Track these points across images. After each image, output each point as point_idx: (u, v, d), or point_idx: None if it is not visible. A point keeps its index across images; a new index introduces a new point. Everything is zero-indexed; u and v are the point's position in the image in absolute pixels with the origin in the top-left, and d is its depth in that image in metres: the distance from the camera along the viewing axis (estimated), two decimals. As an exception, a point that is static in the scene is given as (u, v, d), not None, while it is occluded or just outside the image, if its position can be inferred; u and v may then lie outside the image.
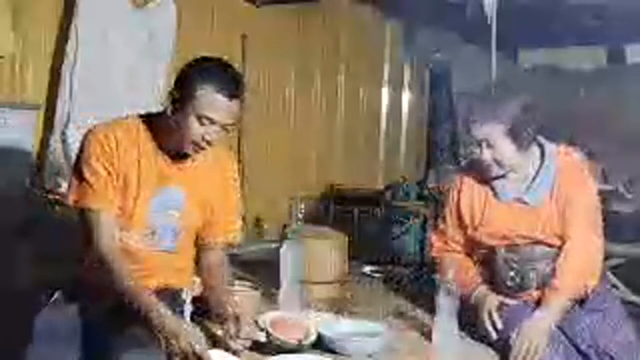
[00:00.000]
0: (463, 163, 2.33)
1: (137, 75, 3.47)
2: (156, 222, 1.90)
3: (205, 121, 1.79)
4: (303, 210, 2.78)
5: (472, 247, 2.27)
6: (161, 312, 1.70)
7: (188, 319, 1.91)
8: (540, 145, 2.19)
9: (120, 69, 3.39)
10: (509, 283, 2.16)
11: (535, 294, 2.12)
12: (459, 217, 2.26)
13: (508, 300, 2.14)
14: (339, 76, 5.62)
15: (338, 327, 2.07)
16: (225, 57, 1.91)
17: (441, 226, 2.35)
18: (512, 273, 2.15)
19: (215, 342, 1.86)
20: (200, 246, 2.04)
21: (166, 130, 1.87)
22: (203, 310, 2.00)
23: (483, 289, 2.17)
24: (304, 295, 2.36)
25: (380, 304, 2.55)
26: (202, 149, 1.85)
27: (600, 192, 2.26)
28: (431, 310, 2.10)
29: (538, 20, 5.23)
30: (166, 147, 1.90)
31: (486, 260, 2.22)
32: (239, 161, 3.29)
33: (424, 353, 2.02)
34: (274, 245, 2.68)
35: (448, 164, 5.45)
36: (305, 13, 4.98)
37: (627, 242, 3.74)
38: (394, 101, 6.41)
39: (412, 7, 5.18)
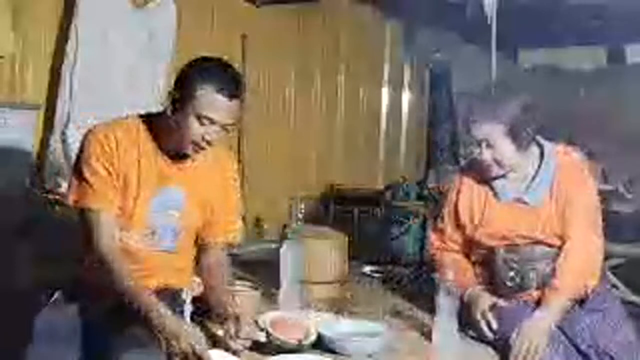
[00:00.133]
0: (463, 163, 2.33)
1: (137, 75, 3.47)
2: (156, 222, 1.90)
3: (205, 121, 1.79)
4: (303, 210, 2.78)
5: (471, 247, 2.28)
6: (161, 312, 1.70)
7: (188, 319, 1.91)
8: (540, 145, 2.19)
9: (120, 69, 3.39)
10: (508, 283, 2.16)
11: (535, 294, 2.12)
12: (458, 218, 2.26)
13: (502, 302, 2.14)
14: (339, 76, 5.62)
15: (338, 327, 2.07)
16: (225, 57, 1.91)
17: (440, 225, 2.35)
18: (512, 273, 2.15)
19: (215, 342, 1.86)
20: (200, 246, 2.04)
21: (166, 131, 1.87)
22: (203, 310, 2.00)
23: (477, 288, 2.17)
24: (304, 295, 2.36)
25: (380, 304, 2.55)
26: (202, 149, 1.85)
27: (600, 192, 2.26)
28: (431, 310, 2.10)
29: (538, 20, 5.23)
30: (166, 147, 1.90)
31: (486, 260, 2.22)
32: (239, 161, 3.29)
33: (424, 353, 2.02)
34: (274, 245, 2.68)
35: (448, 164, 5.45)
36: (305, 13, 4.98)
37: (627, 242, 3.74)
38: (394, 101, 6.41)
39: (412, 7, 5.18)
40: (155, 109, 1.97)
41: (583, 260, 2.08)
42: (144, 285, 1.81)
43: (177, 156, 1.91)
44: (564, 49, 7.01)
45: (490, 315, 2.09)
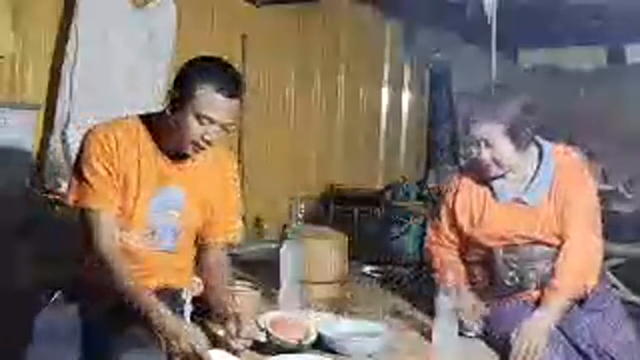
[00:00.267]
0: (463, 163, 2.33)
1: (137, 75, 3.47)
2: (156, 222, 1.90)
3: (204, 121, 1.79)
4: (303, 210, 2.78)
5: (468, 247, 2.28)
6: (161, 312, 1.70)
7: (188, 319, 1.91)
8: (539, 145, 2.19)
9: (120, 69, 3.39)
10: (508, 283, 2.16)
11: (535, 294, 2.12)
12: (455, 218, 2.26)
13: (484, 306, 2.15)
14: (339, 76, 5.62)
15: (338, 327, 2.07)
16: (225, 57, 1.91)
17: (437, 223, 2.36)
18: (511, 273, 2.15)
19: (215, 342, 1.86)
20: (200, 246, 2.04)
21: (166, 130, 1.87)
22: (203, 310, 2.00)
23: (464, 289, 2.17)
24: (304, 295, 2.36)
25: (380, 304, 2.55)
26: (202, 148, 1.85)
27: (600, 192, 2.26)
28: (431, 310, 2.10)
29: (538, 20, 5.23)
30: (166, 147, 1.90)
31: (485, 260, 2.22)
32: (239, 161, 3.29)
33: (424, 353, 2.02)
34: (274, 245, 2.68)
35: (448, 164, 5.45)
36: (305, 13, 4.98)
37: (627, 242, 3.74)
38: (394, 101, 6.41)
39: (412, 7, 5.18)
40: (155, 109, 1.97)
41: (583, 260, 2.08)
42: (144, 285, 1.81)
43: (177, 156, 1.91)
44: (564, 49, 7.01)
45: (473, 317, 2.11)
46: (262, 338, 1.91)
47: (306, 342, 1.93)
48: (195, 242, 2.04)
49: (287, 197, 4.08)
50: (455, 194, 2.27)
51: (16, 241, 2.67)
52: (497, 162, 2.12)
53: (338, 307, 2.42)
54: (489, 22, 3.63)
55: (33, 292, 2.12)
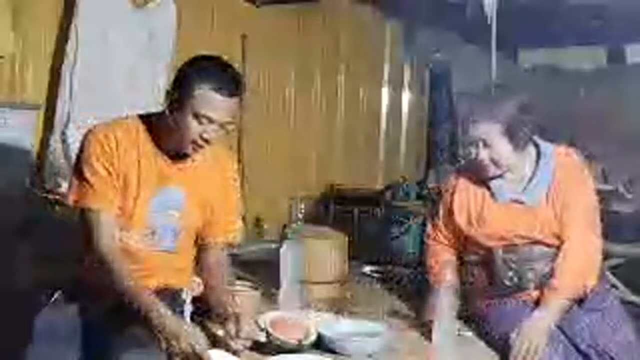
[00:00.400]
0: (462, 163, 2.34)
1: (137, 75, 3.47)
2: (156, 222, 1.90)
3: (203, 120, 1.79)
4: (303, 210, 2.79)
5: (467, 246, 2.28)
6: (161, 312, 1.70)
7: (188, 319, 1.91)
8: (537, 146, 2.19)
9: (120, 69, 3.39)
10: (507, 283, 2.16)
11: (535, 294, 2.12)
12: (453, 218, 2.26)
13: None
14: (339, 76, 5.62)
15: (338, 327, 2.07)
16: (225, 57, 1.91)
17: (436, 221, 2.37)
18: (510, 273, 2.16)
19: (215, 342, 1.86)
20: (200, 246, 2.04)
21: (165, 130, 1.87)
22: (203, 310, 2.00)
23: (450, 290, 2.14)
24: (304, 295, 2.36)
25: (380, 304, 2.55)
26: (201, 147, 1.85)
27: (600, 192, 2.26)
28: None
29: (538, 20, 5.23)
30: (166, 147, 1.90)
31: (485, 260, 2.22)
32: (239, 161, 3.29)
33: (424, 353, 2.02)
34: (274, 245, 2.68)
35: (448, 164, 5.45)
36: (305, 13, 4.98)
37: (627, 242, 3.74)
38: (394, 101, 6.41)
39: (412, 7, 5.18)
40: (155, 109, 1.97)
41: (582, 260, 2.08)
42: (144, 285, 1.81)
43: (177, 156, 1.91)
44: (564, 49, 7.01)
45: None
46: (262, 338, 1.91)
47: (306, 342, 1.93)
48: (195, 242, 2.04)
49: (287, 197, 4.08)
50: (452, 194, 2.28)
51: (16, 241, 2.67)
52: (495, 162, 2.12)
53: (338, 307, 2.42)
54: (489, 22, 3.63)
55: (33, 292, 2.12)
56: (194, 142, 1.83)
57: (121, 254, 1.83)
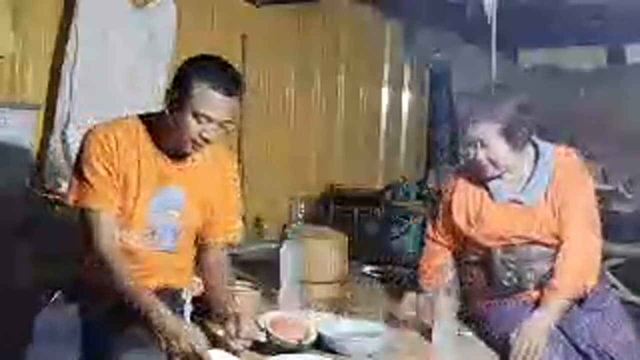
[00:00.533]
0: (461, 163, 2.34)
1: (137, 75, 3.47)
2: (156, 222, 1.90)
3: (202, 119, 1.79)
4: (303, 210, 2.78)
5: (466, 247, 2.28)
6: (161, 312, 1.70)
7: (188, 319, 1.91)
8: (535, 146, 2.19)
9: (120, 69, 3.39)
10: (506, 283, 2.16)
11: (534, 294, 2.11)
12: (452, 219, 2.27)
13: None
14: (339, 76, 5.62)
15: (338, 327, 2.07)
16: (225, 57, 1.91)
17: (435, 221, 2.38)
18: (509, 274, 2.16)
19: (215, 342, 1.86)
20: (200, 246, 2.04)
21: (165, 130, 1.87)
22: (203, 310, 2.00)
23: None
24: (304, 295, 2.36)
25: (380, 304, 2.55)
26: (200, 146, 1.85)
27: (600, 192, 2.26)
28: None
29: (538, 20, 5.23)
30: (165, 146, 1.90)
31: (484, 261, 2.23)
32: (239, 161, 3.29)
33: (424, 353, 2.02)
34: (274, 245, 2.68)
35: (448, 164, 5.45)
36: (305, 13, 4.98)
37: (627, 242, 3.74)
38: (394, 101, 6.41)
39: (412, 7, 5.18)
40: (155, 109, 1.97)
41: (582, 260, 2.08)
42: (144, 285, 1.81)
43: (177, 156, 1.91)
44: (564, 49, 7.01)
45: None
46: (262, 338, 1.91)
47: (306, 342, 1.93)
48: (195, 242, 2.04)
49: (287, 197, 4.07)
50: (451, 194, 2.28)
51: (16, 241, 2.67)
52: (493, 163, 2.12)
53: (338, 307, 2.42)
54: (489, 22, 3.63)
55: (33, 292, 2.12)
56: (193, 141, 1.83)
57: (121, 254, 1.83)
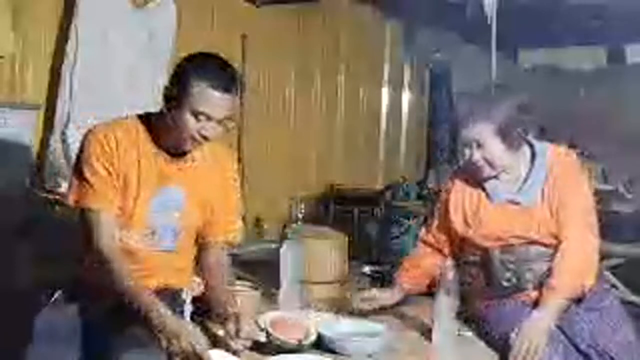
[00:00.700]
0: (458, 164, 2.35)
1: (137, 75, 3.47)
2: (156, 222, 1.90)
3: (201, 117, 1.80)
4: (303, 210, 2.78)
5: (463, 248, 2.28)
6: (161, 312, 1.70)
7: (188, 319, 1.91)
8: (531, 145, 2.19)
9: (120, 69, 3.39)
10: (505, 284, 2.16)
11: (534, 294, 2.11)
12: (449, 219, 2.27)
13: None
14: (339, 76, 5.62)
15: (338, 327, 2.07)
16: (225, 57, 1.91)
17: (430, 222, 2.39)
18: (508, 274, 2.16)
19: (215, 342, 1.86)
20: (200, 245, 2.04)
21: (164, 129, 1.87)
22: (203, 310, 2.00)
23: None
24: (304, 295, 2.36)
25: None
26: (199, 143, 1.85)
27: (600, 192, 2.26)
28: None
29: (538, 20, 5.23)
30: (165, 145, 1.90)
31: (482, 262, 2.23)
32: (239, 161, 3.29)
33: (424, 353, 2.02)
34: (274, 245, 2.68)
35: (448, 164, 5.45)
36: (305, 13, 4.98)
37: (627, 242, 3.74)
38: (394, 101, 6.41)
39: (412, 7, 5.18)
40: (154, 109, 1.97)
41: (580, 260, 2.07)
42: (144, 285, 1.81)
43: (177, 155, 1.91)
44: (564, 49, 7.02)
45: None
46: (262, 338, 1.91)
47: (306, 342, 1.93)
48: (196, 241, 2.04)
49: (287, 197, 4.08)
50: (448, 195, 2.29)
51: (16, 241, 2.67)
52: (490, 163, 2.12)
53: (338, 307, 2.42)
54: (489, 22, 3.64)
55: (33, 292, 2.12)
56: (192, 138, 1.83)
57: (121, 254, 1.83)
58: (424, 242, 2.40)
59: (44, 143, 3.18)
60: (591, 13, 5.15)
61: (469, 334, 2.18)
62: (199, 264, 2.05)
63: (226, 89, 1.80)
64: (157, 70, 3.55)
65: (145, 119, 1.93)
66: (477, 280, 2.25)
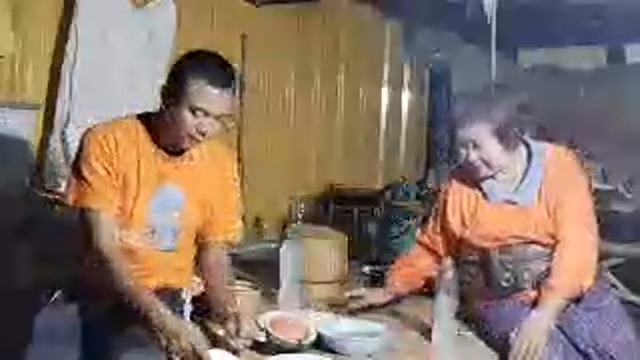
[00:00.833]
0: (456, 165, 2.36)
1: (137, 75, 3.47)
2: (156, 222, 1.90)
3: (199, 113, 1.80)
4: (303, 210, 2.78)
5: (461, 249, 2.28)
6: (161, 312, 1.70)
7: (188, 319, 1.91)
8: (528, 146, 2.19)
9: (120, 69, 3.39)
10: (504, 284, 2.16)
11: (532, 294, 2.11)
12: (447, 220, 2.27)
13: None
14: (339, 76, 5.62)
15: (338, 327, 2.07)
16: (225, 57, 1.91)
17: (428, 222, 2.40)
18: (507, 275, 2.16)
19: (215, 342, 1.86)
20: (200, 245, 2.04)
21: (163, 127, 1.88)
22: (203, 310, 2.00)
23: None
24: (304, 295, 2.36)
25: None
26: (198, 141, 1.85)
27: (600, 192, 2.26)
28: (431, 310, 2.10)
29: (538, 20, 5.23)
30: (164, 143, 1.90)
31: (481, 263, 2.23)
32: (239, 160, 3.29)
33: (424, 353, 2.02)
34: (274, 245, 2.68)
35: (448, 164, 5.45)
36: (305, 13, 4.98)
37: (627, 242, 3.75)
38: (394, 101, 6.41)
39: (412, 7, 5.18)
40: (154, 109, 1.97)
41: (579, 260, 2.07)
42: (144, 285, 1.81)
43: (176, 154, 1.91)
44: (564, 49, 7.01)
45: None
46: (262, 338, 1.91)
47: (306, 342, 1.93)
48: (196, 241, 2.04)
49: (287, 197, 4.08)
50: (446, 196, 2.29)
51: (16, 241, 2.67)
52: (487, 163, 2.13)
53: (338, 307, 2.42)
54: (489, 22, 3.63)
55: (33, 292, 2.12)
56: (190, 136, 1.83)
57: (121, 254, 1.83)
58: (419, 242, 2.40)
59: (44, 143, 3.18)
60: (591, 13, 5.15)
61: (469, 334, 2.19)
62: (199, 264, 2.05)
63: (223, 85, 1.80)
64: (157, 70, 3.54)
65: (145, 118, 1.93)
66: (477, 281, 2.25)
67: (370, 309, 2.36)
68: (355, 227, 4.42)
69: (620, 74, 6.87)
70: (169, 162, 1.91)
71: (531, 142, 2.20)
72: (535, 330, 1.97)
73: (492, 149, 2.10)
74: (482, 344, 2.13)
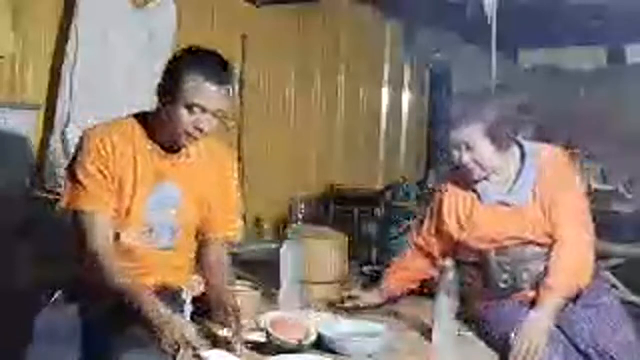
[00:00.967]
0: (451, 167, 2.36)
1: (137, 75, 3.46)
2: (153, 220, 1.90)
3: (196, 110, 1.80)
4: (303, 210, 2.78)
5: (457, 250, 2.28)
6: (161, 311, 1.70)
7: (188, 319, 1.91)
8: (521, 146, 2.20)
9: (120, 68, 3.39)
10: (502, 285, 2.17)
11: (530, 294, 2.12)
12: (442, 222, 2.27)
13: None
14: (339, 76, 5.61)
15: (338, 327, 2.07)
16: (225, 57, 1.91)
17: (422, 224, 2.40)
18: (505, 275, 2.16)
19: (215, 342, 1.86)
20: (200, 242, 2.05)
21: (159, 125, 1.88)
22: (203, 310, 2.00)
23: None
24: (304, 295, 2.36)
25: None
26: (195, 138, 1.85)
27: (600, 192, 2.27)
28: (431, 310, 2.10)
29: (538, 20, 5.22)
30: (161, 141, 1.90)
31: (479, 263, 2.23)
32: (239, 160, 3.29)
33: (424, 353, 2.02)
34: (274, 245, 2.68)
35: (448, 164, 5.45)
36: (305, 13, 4.98)
37: (627, 242, 3.75)
38: (394, 101, 6.40)
39: (412, 7, 5.18)
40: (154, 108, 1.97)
41: (575, 259, 2.08)
42: (142, 283, 1.81)
43: (172, 151, 1.91)
44: (564, 49, 7.01)
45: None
46: (262, 338, 1.91)
47: (306, 342, 1.93)
48: (196, 238, 2.04)
49: (287, 197, 4.08)
50: (441, 198, 2.29)
51: (16, 241, 2.67)
52: (480, 164, 2.13)
53: (337, 307, 2.42)
54: (489, 22, 3.63)
55: (33, 292, 2.12)
56: (187, 133, 1.83)
57: (115, 255, 1.82)
58: (414, 244, 2.41)
59: (44, 143, 3.18)
60: (591, 13, 5.15)
61: (469, 334, 2.19)
62: (200, 262, 2.05)
63: (220, 81, 1.80)
64: (157, 70, 3.51)
65: (142, 117, 1.93)
66: (476, 281, 2.25)
67: (365, 308, 2.36)
68: (355, 227, 4.42)
69: (620, 74, 6.86)
70: (165, 159, 1.91)
71: (524, 142, 2.21)
72: (535, 330, 1.97)
73: (485, 150, 2.11)
74: (482, 344, 2.13)
